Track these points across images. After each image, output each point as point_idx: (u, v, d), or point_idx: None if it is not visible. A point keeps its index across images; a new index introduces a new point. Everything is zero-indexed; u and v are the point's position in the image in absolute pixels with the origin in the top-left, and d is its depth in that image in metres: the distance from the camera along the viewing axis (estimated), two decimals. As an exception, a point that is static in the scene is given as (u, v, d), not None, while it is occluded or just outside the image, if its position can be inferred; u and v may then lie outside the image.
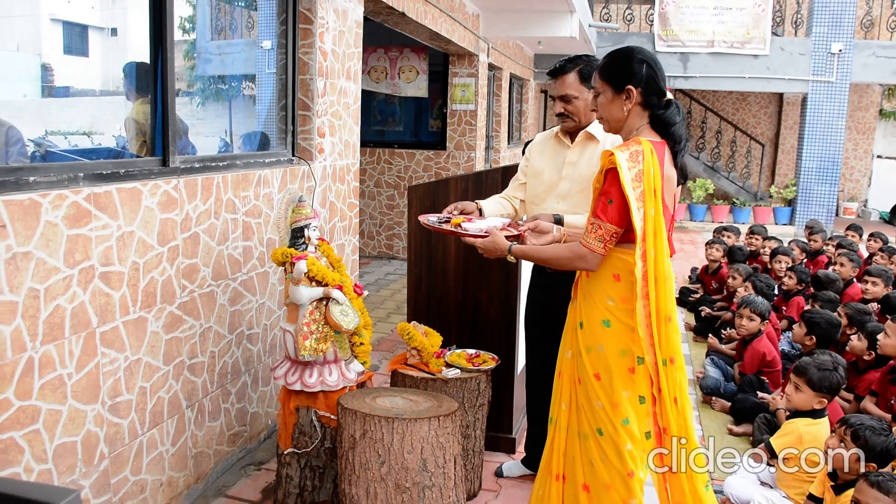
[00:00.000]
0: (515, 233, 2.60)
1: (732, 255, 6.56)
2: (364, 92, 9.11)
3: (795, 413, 3.16)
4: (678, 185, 2.31)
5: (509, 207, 3.14)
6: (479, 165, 9.06)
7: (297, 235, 2.90)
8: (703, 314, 5.96)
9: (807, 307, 4.56)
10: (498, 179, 3.47)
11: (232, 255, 3.25)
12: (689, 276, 7.88)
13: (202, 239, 3.02)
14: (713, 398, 4.23)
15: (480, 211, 3.00)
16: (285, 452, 2.93)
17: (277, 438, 3.01)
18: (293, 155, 3.99)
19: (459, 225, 2.68)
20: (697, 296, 6.78)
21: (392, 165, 8.99)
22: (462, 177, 3.53)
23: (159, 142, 2.93)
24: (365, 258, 9.08)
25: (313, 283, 2.83)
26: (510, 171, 3.46)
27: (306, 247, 2.90)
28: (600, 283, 2.30)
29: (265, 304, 3.58)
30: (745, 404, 3.82)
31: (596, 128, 2.87)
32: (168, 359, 2.86)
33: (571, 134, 2.98)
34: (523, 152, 3.19)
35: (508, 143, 11.14)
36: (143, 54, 5.30)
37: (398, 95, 9.09)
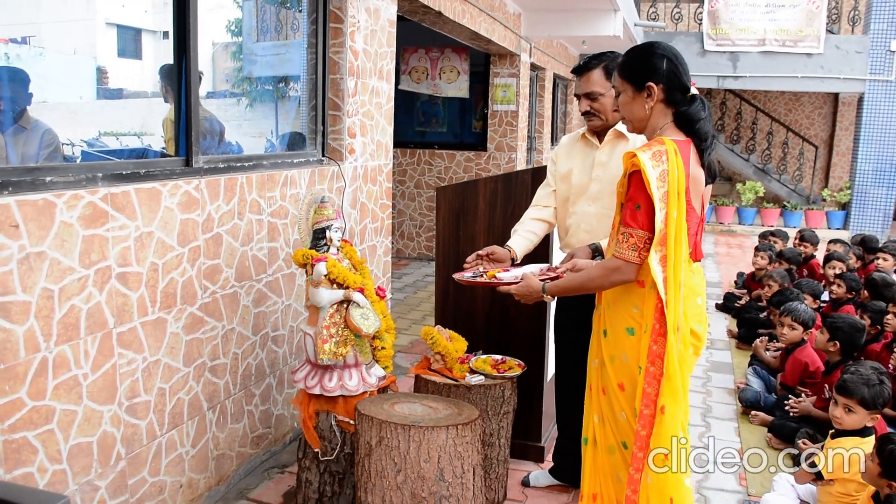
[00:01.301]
0: (553, 276, 2.53)
1: (783, 257, 6.29)
2: (407, 93, 9.14)
3: (840, 432, 2.98)
4: (707, 185, 2.19)
5: (542, 230, 3.03)
6: (521, 166, 8.95)
7: (318, 237, 2.85)
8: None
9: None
10: (528, 181, 3.37)
11: (256, 255, 3.23)
12: (735, 282, 7.62)
13: (225, 240, 3.00)
14: (752, 412, 4.05)
15: (512, 260, 2.91)
16: (314, 451, 2.88)
17: (300, 442, 2.97)
18: (323, 155, 3.95)
19: (494, 276, 2.64)
20: (742, 302, 6.54)
21: (432, 166, 8.94)
22: (491, 178, 3.44)
23: (183, 142, 2.92)
24: (405, 259, 9.05)
25: (334, 286, 2.78)
26: (540, 172, 3.36)
27: (328, 248, 2.85)
28: (625, 291, 2.19)
29: (291, 306, 3.54)
30: (783, 430, 3.64)
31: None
32: (188, 360, 2.85)
33: (599, 134, 2.87)
34: None
35: (552, 145, 10.99)
36: (203, 58, 5.31)
37: (440, 96, 9.03)
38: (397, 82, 9.20)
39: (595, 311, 2.37)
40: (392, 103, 4.57)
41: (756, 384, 4.32)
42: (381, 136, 4.44)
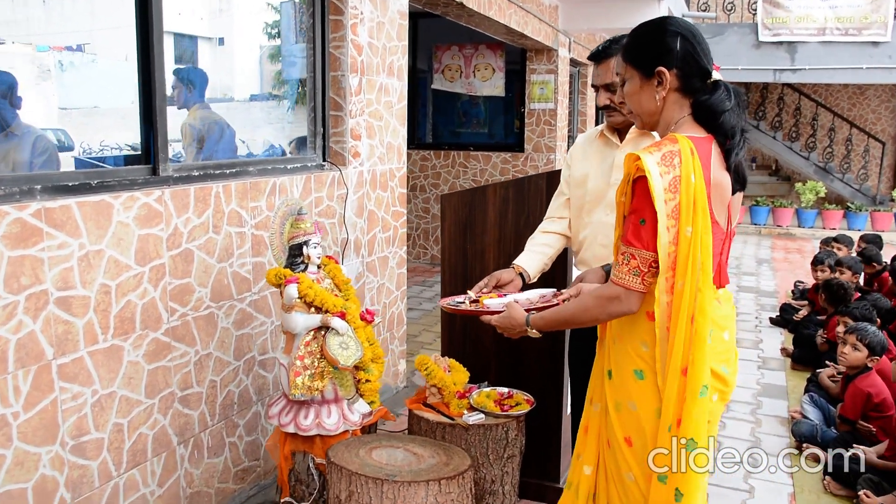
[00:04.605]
0: (555, 303, 2.10)
1: (842, 265, 5.66)
2: (446, 93, 8.79)
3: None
4: (734, 193, 1.76)
5: (557, 243, 2.60)
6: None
7: (295, 254, 2.52)
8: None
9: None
10: (543, 186, 2.98)
11: (238, 272, 2.91)
12: (793, 291, 7.02)
13: (197, 256, 2.68)
14: (805, 445, 3.55)
15: (522, 276, 2.49)
16: (281, 502, 2.55)
17: (277, 484, 2.64)
18: (324, 159, 3.62)
19: (482, 302, 2.22)
20: (802, 314, 5.93)
21: (467, 169, 8.57)
22: (501, 184, 3.05)
23: (151, 149, 2.63)
24: (438, 266, 8.70)
25: (311, 310, 2.44)
26: (556, 176, 2.96)
27: (305, 267, 2.51)
28: (632, 324, 1.78)
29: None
30: (842, 472, 3.13)
31: None
32: (152, 391, 2.54)
33: (620, 131, 2.46)
34: None
35: (595, 144, 10.48)
36: (251, 62, 5.12)
37: (474, 95, 8.66)
38: (430, 81, 8.87)
39: (598, 345, 1.96)
40: (405, 102, 4.21)
41: (813, 414, 3.81)
42: (391, 137, 4.09)
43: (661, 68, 1.72)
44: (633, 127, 2.39)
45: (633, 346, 1.77)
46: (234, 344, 2.92)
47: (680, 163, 1.62)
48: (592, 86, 2.48)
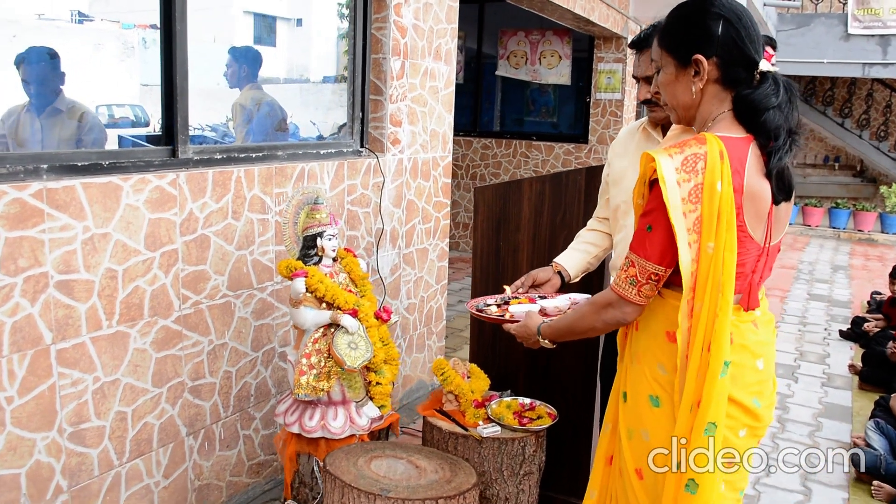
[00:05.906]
0: None
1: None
2: (514, 80, 8.55)
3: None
4: (778, 203, 1.51)
5: (603, 242, 2.40)
6: (624, 161, 8.13)
7: (308, 245, 2.39)
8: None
9: None
10: (581, 182, 2.76)
11: (259, 261, 2.81)
12: (868, 303, 6.55)
13: (213, 242, 2.59)
14: (873, 480, 3.23)
15: (562, 275, 2.32)
16: (285, 503, 2.45)
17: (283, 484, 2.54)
18: (362, 145, 3.49)
19: (507, 310, 2.06)
20: (869, 326, 5.49)
21: (529, 159, 8.33)
22: (537, 179, 2.85)
23: (173, 129, 2.54)
24: (493, 256, 8.50)
25: (322, 305, 2.31)
26: (596, 171, 2.74)
27: (319, 259, 2.39)
28: (650, 343, 1.58)
29: (306, 317, 3.11)
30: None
31: None
32: (160, 380, 2.47)
33: (664, 127, 2.22)
34: None
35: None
36: (328, 43, 5.16)
37: (539, 82, 8.39)
38: (494, 68, 8.65)
39: (619, 363, 1.76)
40: (452, 88, 4.03)
41: (878, 443, 3.47)
42: (436, 124, 3.92)
43: (699, 56, 1.51)
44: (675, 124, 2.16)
45: (650, 369, 1.57)
46: (252, 334, 2.83)
47: (704, 168, 1.41)
48: (633, 76, 2.25)
